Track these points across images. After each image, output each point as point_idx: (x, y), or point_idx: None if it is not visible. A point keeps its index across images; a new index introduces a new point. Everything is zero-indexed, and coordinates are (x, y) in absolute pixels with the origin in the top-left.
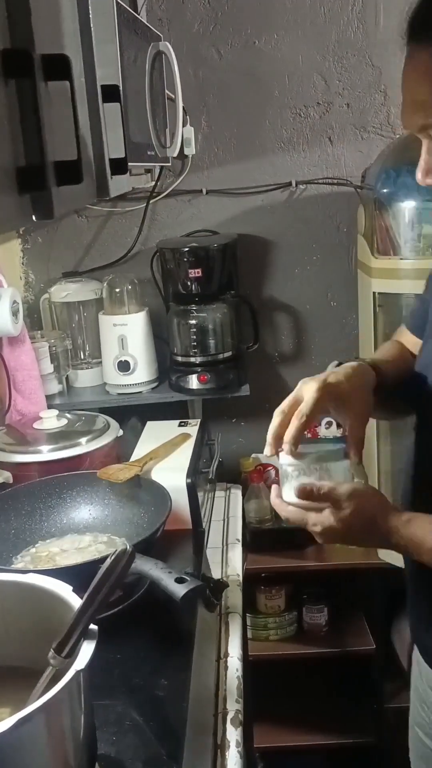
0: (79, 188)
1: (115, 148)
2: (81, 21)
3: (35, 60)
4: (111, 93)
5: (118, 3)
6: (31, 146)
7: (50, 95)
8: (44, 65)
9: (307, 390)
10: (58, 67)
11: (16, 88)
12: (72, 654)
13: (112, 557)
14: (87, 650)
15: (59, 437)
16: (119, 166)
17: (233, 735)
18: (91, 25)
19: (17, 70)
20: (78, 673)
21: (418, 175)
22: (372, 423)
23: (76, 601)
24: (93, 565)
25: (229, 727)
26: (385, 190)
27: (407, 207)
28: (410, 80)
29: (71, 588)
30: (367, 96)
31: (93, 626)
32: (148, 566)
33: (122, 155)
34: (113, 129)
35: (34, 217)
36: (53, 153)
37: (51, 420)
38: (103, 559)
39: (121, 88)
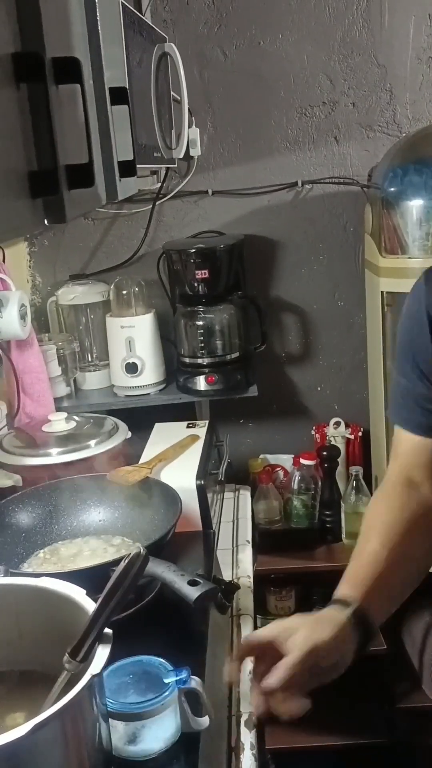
0: (89, 191)
1: (123, 151)
2: (89, 23)
3: (46, 63)
4: (119, 95)
5: (123, 4)
6: (43, 150)
7: (61, 99)
8: (55, 68)
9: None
10: (68, 70)
11: (28, 92)
12: (87, 658)
13: (126, 560)
14: (102, 654)
15: (68, 440)
16: (128, 169)
17: (247, 738)
18: (99, 28)
19: (29, 74)
20: (93, 677)
21: None
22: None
23: (90, 605)
24: (106, 568)
25: (243, 730)
26: (392, 189)
27: (415, 205)
28: None
29: (84, 591)
30: (372, 95)
31: (107, 630)
32: (160, 569)
33: (130, 157)
34: (122, 131)
35: (46, 221)
36: (65, 157)
37: (60, 423)
38: (116, 562)
39: (128, 90)
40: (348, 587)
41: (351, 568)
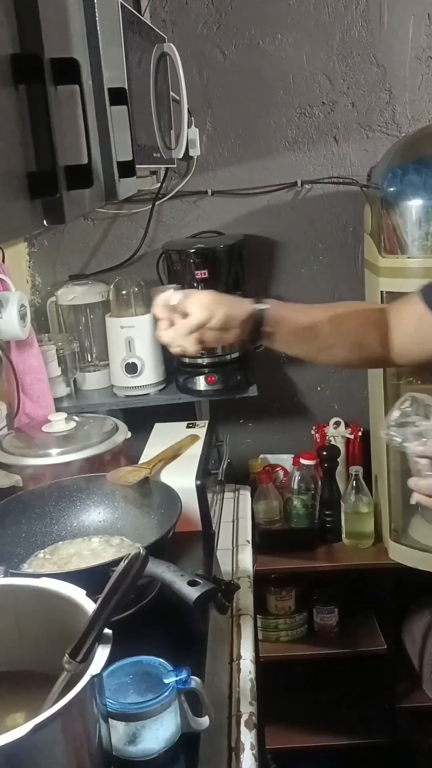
0: (88, 192)
1: (122, 151)
2: (88, 24)
3: (45, 64)
4: (118, 96)
5: (122, 5)
6: (42, 151)
7: (60, 99)
8: (54, 69)
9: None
10: (67, 70)
11: (27, 93)
12: (87, 659)
13: (126, 560)
14: (102, 655)
15: (68, 440)
16: (127, 169)
17: (247, 738)
18: (98, 28)
19: (27, 75)
20: (93, 678)
21: None
22: None
23: (89, 605)
24: (106, 569)
25: (243, 730)
26: (391, 189)
27: (414, 205)
28: None
29: (84, 592)
30: (372, 95)
31: (107, 630)
32: (160, 569)
33: (130, 158)
34: (121, 132)
35: (45, 222)
36: (64, 157)
37: (60, 423)
38: (115, 562)
39: (127, 90)
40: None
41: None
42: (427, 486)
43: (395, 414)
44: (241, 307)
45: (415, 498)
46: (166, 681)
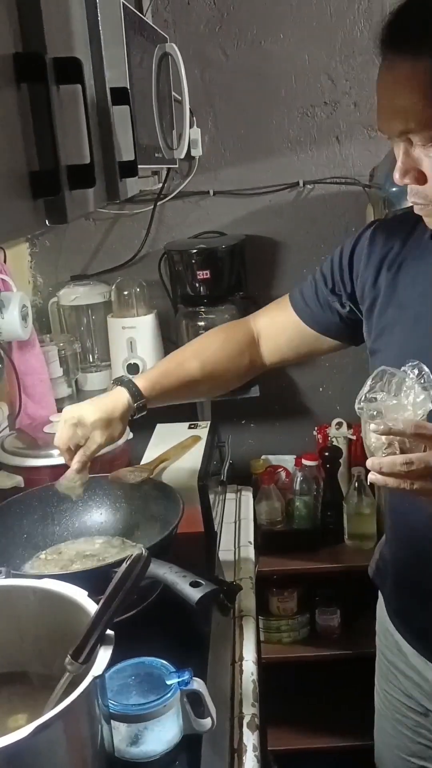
0: (90, 192)
1: (125, 151)
2: (90, 23)
3: (47, 63)
4: (120, 96)
5: (124, 5)
6: (44, 151)
7: (62, 99)
8: (56, 69)
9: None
10: (70, 70)
11: (29, 93)
12: (89, 660)
13: (128, 561)
14: (104, 656)
15: None
16: (129, 169)
17: (250, 739)
18: (100, 28)
19: (30, 74)
20: (95, 679)
21: (396, 176)
22: None
23: (91, 606)
24: (108, 570)
25: (246, 731)
26: (394, 189)
27: None
28: (388, 88)
29: (86, 593)
30: (374, 95)
31: (109, 631)
32: (162, 570)
33: (132, 158)
34: (123, 132)
35: (47, 222)
36: (66, 157)
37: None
38: (117, 564)
39: (129, 90)
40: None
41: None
42: (379, 464)
43: (365, 388)
44: (112, 406)
45: (370, 478)
46: (168, 682)
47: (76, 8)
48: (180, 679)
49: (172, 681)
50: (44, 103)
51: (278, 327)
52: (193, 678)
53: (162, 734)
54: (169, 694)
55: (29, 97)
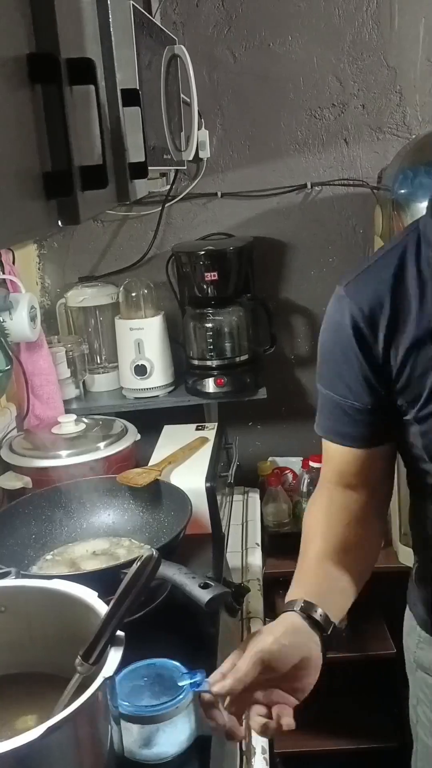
0: (102, 193)
1: (135, 152)
2: (101, 25)
3: (61, 64)
4: (131, 97)
5: (134, 6)
6: (57, 152)
7: (75, 100)
8: (69, 69)
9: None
10: (83, 71)
11: (42, 93)
12: (99, 661)
13: (139, 562)
14: (114, 657)
15: (78, 442)
16: (139, 170)
17: (258, 741)
18: (111, 29)
19: (43, 75)
20: (106, 680)
21: None
22: None
23: (101, 607)
24: (117, 571)
25: (254, 734)
26: (402, 191)
27: (425, 207)
28: None
29: (96, 594)
30: (382, 97)
31: (120, 633)
32: (171, 571)
33: (142, 159)
34: (133, 133)
35: (60, 222)
36: (79, 158)
37: (69, 425)
38: (127, 564)
39: (139, 92)
40: (296, 588)
41: (298, 570)
42: None
43: None
44: (306, 640)
45: None
46: (180, 683)
47: (87, 9)
48: (192, 681)
49: (185, 682)
50: (58, 104)
51: (345, 463)
52: (205, 679)
53: (174, 736)
54: (181, 696)
55: (43, 98)
